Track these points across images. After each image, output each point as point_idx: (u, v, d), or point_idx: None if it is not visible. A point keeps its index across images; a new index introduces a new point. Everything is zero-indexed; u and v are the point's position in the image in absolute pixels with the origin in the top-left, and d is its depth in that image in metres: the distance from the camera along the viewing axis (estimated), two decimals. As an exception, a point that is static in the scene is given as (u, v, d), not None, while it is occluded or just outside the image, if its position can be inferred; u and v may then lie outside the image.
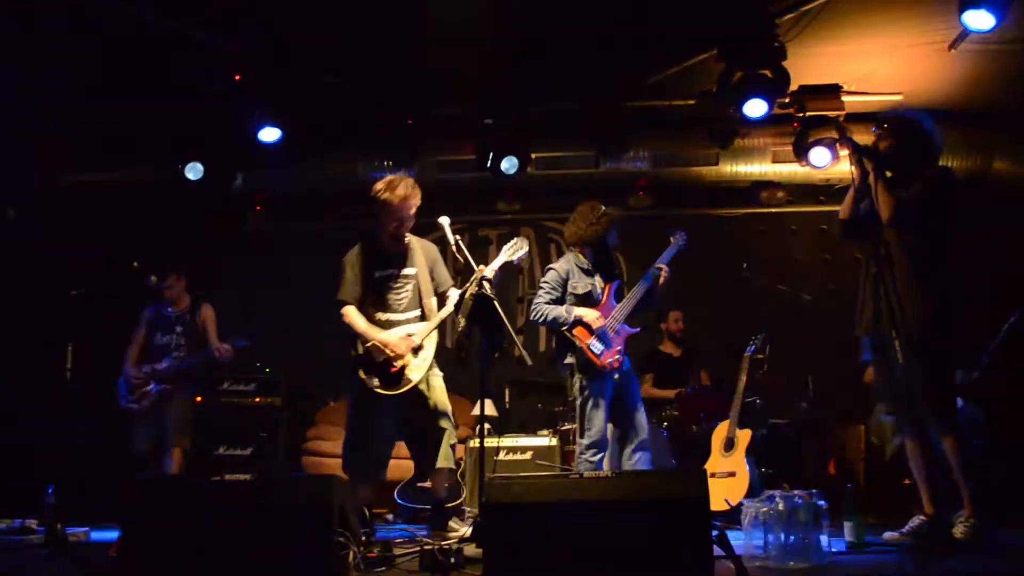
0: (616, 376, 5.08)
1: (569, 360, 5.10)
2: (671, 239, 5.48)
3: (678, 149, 7.58)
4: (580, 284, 5.19)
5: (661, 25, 6.02)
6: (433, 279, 4.93)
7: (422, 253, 4.93)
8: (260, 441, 7.15)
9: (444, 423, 4.77)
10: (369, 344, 4.68)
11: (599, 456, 4.99)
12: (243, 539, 3.24)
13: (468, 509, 6.04)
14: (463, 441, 6.75)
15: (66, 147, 7.39)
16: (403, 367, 4.66)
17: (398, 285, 4.84)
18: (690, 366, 6.95)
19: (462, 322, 4.47)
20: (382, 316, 4.79)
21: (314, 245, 8.09)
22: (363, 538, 3.62)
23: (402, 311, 4.83)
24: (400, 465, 5.97)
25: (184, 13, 5.76)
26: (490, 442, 6.28)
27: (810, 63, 6.38)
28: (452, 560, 3.43)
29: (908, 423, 4.17)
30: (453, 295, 4.91)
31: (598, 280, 5.26)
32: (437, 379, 4.87)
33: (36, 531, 4.59)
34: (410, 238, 4.92)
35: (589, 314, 5.06)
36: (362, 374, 4.68)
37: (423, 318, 4.87)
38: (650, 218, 8.13)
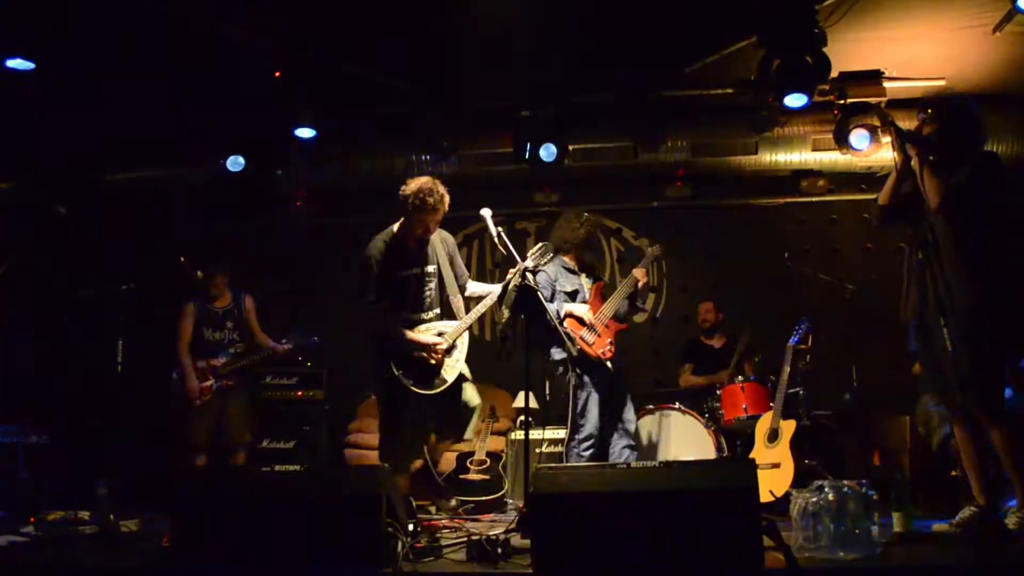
0: (609, 367, 5.33)
1: (560, 356, 5.30)
2: (648, 250, 6.02)
3: (717, 138, 7.51)
4: (568, 283, 5.50)
5: (699, 13, 5.97)
6: (454, 273, 4.97)
7: (442, 247, 4.97)
8: (303, 435, 7.25)
9: (475, 408, 4.91)
10: (404, 342, 4.73)
11: (592, 450, 5.20)
12: (293, 529, 3.29)
13: (510, 501, 6.09)
14: (504, 433, 6.79)
15: (110, 145, 7.54)
16: (438, 367, 4.71)
17: (421, 284, 4.88)
18: (731, 357, 6.90)
19: (506, 314, 4.49)
20: (407, 315, 4.84)
21: (352, 238, 8.13)
22: (411, 528, 3.64)
23: (426, 309, 4.89)
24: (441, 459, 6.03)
25: (221, 12, 5.83)
26: (532, 434, 6.29)
27: (851, 49, 6.30)
28: (499, 550, 3.45)
29: (958, 412, 4.12)
30: (472, 287, 4.99)
31: (584, 280, 5.58)
32: (466, 372, 4.95)
33: (89, 522, 4.67)
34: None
35: (579, 308, 5.36)
36: (395, 371, 4.72)
37: (444, 314, 4.90)
38: (689, 208, 8.11)
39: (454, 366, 4.77)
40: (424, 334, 4.78)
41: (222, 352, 6.39)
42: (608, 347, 5.31)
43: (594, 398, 5.22)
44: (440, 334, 4.80)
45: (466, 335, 4.87)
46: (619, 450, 5.31)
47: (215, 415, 6.28)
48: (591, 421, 5.20)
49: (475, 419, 4.94)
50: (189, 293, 6.44)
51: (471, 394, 4.92)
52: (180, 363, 6.29)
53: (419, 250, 4.91)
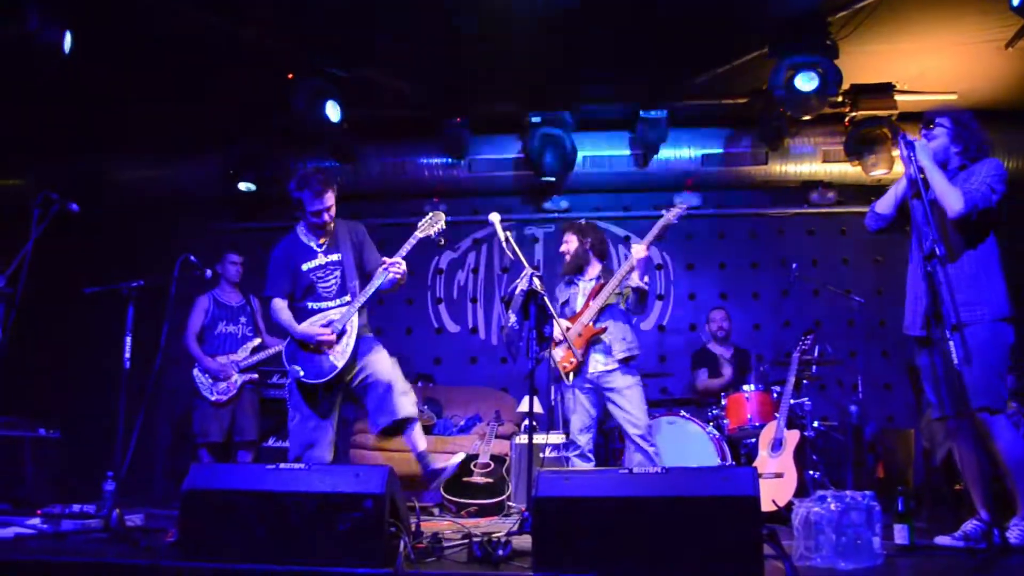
0: (569, 379, 5.24)
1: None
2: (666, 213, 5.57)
3: (727, 148, 7.52)
4: (561, 294, 5.55)
5: (712, 22, 5.99)
6: (362, 261, 4.91)
7: (348, 237, 4.91)
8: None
9: (391, 381, 4.72)
10: (297, 336, 4.74)
11: (579, 457, 5.26)
12: (299, 526, 3.30)
13: (513, 504, 6.10)
14: (508, 437, 6.80)
15: (119, 143, 7.62)
16: (327, 354, 4.71)
17: (325, 273, 4.84)
18: (738, 366, 6.90)
19: (512, 318, 4.50)
20: (314, 305, 4.82)
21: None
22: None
23: (332, 298, 4.83)
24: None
25: (231, 12, 5.90)
26: (536, 439, 6.30)
27: (863, 61, 6.32)
28: (500, 552, 3.45)
29: (961, 426, 4.11)
30: (378, 274, 4.84)
31: (583, 286, 5.48)
32: (376, 354, 4.82)
33: (94, 516, 4.69)
34: (336, 223, 4.93)
35: (558, 324, 5.19)
36: (289, 363, 4.74)
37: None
38: (698, 217, 8.12)
39: (344, 351, 4.73)
40: (311, 326, 4.76)
41: (240, 348, 6.43)
42: (571, 362, 5.20)
43: (572, 407, 5.29)
44: (330, 323, 4.79)
45: (356, 319, 4.79)
46: (630, 455, 5.22)
47: (230, 414, 6.32)
48: (572, 431, 5.30)
49: (396, 395, 4.69)
50: (200, 288, 6.47)
51: (380, 367, 4.77)
52: (194, 354, 6.33)
53: (320, 242, 4.88)
